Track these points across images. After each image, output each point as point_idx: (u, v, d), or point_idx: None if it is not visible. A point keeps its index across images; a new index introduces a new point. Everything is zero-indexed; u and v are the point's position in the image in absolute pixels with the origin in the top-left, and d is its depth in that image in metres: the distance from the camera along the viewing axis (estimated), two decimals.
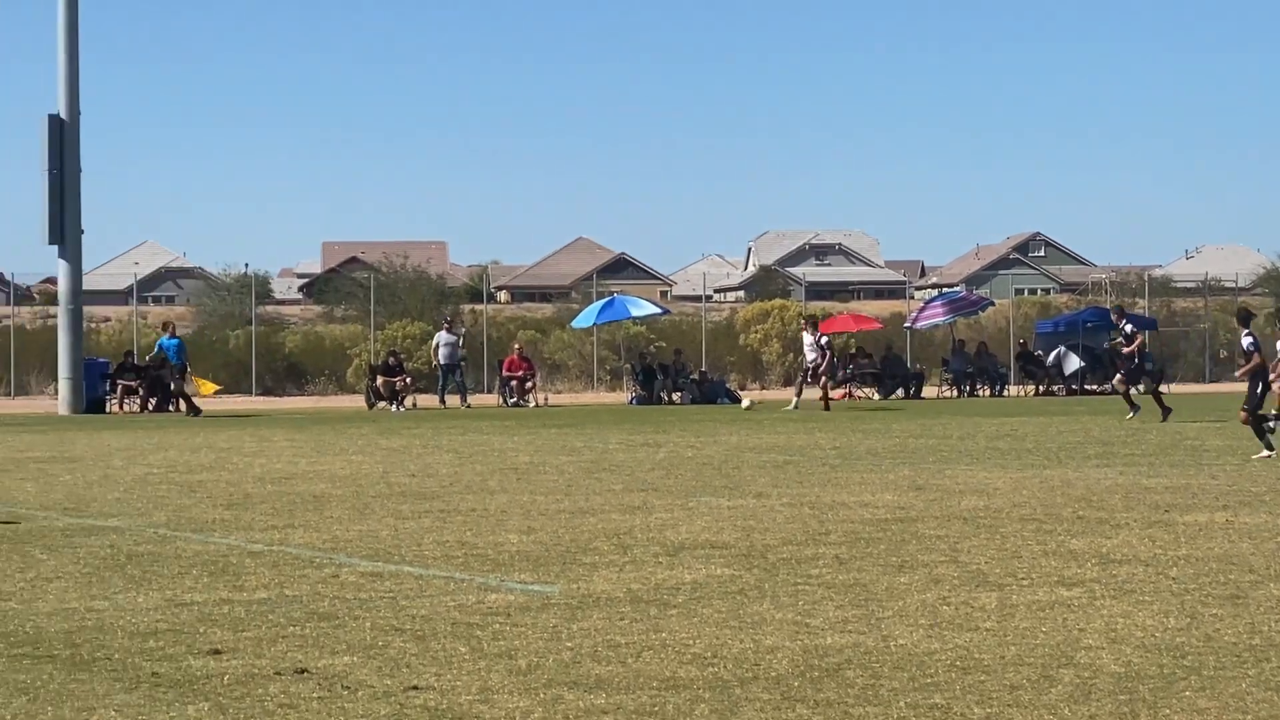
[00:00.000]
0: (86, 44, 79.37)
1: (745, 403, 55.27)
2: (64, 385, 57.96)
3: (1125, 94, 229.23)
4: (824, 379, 52.99)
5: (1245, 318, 34.00)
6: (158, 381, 58.71)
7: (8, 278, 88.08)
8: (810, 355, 53.12)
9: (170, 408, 57.88)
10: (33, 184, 59.44)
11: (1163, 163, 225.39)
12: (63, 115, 58.26)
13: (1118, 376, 45.73)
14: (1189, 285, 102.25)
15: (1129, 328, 45.21)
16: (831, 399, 53.97)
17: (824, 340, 53.57)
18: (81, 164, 58.90)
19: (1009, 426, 41.12)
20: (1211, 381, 78.55)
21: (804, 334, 54.68)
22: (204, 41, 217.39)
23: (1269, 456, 29.16)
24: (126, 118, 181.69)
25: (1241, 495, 22.71)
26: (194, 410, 54.39)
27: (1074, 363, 67.64)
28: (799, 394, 53.14)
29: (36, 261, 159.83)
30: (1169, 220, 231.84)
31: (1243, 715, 9.83)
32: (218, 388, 63.56)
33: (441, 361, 59.26)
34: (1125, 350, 44.83)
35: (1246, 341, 32.06)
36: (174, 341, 57.00)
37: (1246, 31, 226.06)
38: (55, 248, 58.83)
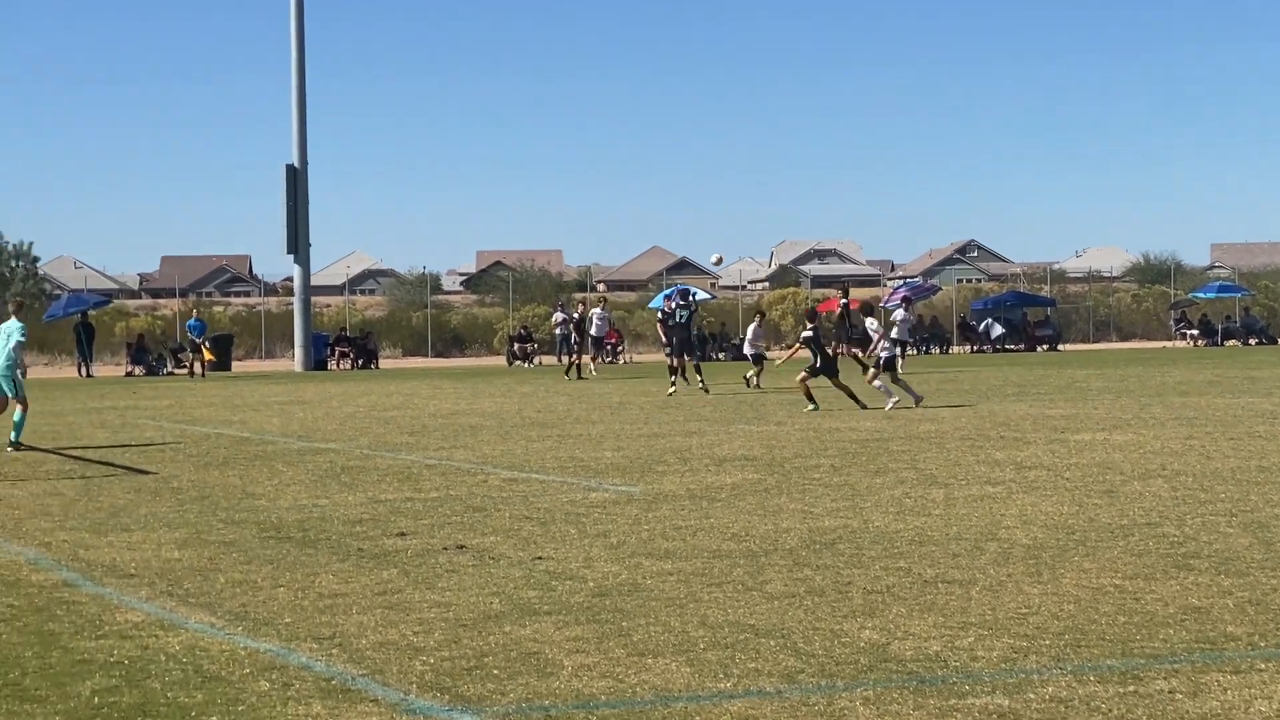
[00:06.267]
0: (313, 106, 79.11)
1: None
2: (298, 351, 58.14)
3: (1031, 127, 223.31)
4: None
5: (868, 309, 32.60)
6: (363, 349, 58.81)
7: (260, 278, 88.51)
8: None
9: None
10: (276, 211, 59.08)
11: (1058, 179, 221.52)
12: (295, 165, 58.28)
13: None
14: (1078, 275, 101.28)
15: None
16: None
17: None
18: (310, 197, 58.97)
19: (946, 375, 40.82)
20: (1095, 342, 77.91)
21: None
22: (400, 103, 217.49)
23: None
24: (346, 161, 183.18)
25: (1114, 421, 22.54)
26: None
27: (997, 330, 67.19)
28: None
29: (280, 265, 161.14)
30: (1064, 226, 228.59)
31: (1113, 573, 9.77)
32: None
33: (560, 333, 58.48)
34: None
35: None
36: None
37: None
38: (291, 256, 58.94)
